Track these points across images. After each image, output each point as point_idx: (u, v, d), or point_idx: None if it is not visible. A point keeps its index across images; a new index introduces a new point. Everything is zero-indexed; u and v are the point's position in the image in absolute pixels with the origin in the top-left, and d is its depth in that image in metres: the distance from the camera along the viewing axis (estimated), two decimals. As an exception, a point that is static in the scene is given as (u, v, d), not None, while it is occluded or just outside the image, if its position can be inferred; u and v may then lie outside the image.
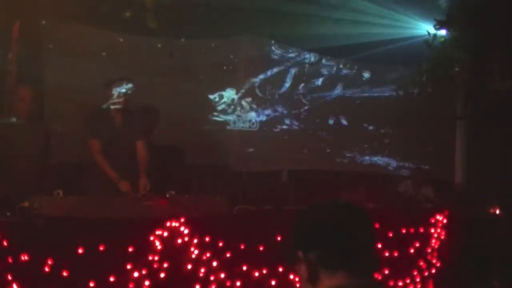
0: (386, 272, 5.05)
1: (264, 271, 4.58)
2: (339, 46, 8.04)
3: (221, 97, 8.27)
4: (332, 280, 1.85)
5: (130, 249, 4.18)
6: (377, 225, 4.77)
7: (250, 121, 8.41)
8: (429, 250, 5.41)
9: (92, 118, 5.69)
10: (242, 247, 4.56)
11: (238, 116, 8.35)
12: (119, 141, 5.65)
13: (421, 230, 5.38)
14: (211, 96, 8.27)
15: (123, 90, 5.60)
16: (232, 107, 8.34)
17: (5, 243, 3.89)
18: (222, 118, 8.33)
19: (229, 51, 8.24)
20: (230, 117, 8.35)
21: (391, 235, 5.14)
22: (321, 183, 7.41)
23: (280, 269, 4.63)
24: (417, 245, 5.33)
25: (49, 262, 3.93)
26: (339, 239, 1.85)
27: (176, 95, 7.68)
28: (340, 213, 1.91)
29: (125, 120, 5.70)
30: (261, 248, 4.61)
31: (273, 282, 4.61)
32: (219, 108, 8.30)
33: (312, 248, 1.87)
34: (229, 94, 8.31)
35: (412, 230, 5.32)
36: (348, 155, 8.77)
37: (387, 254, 5.06)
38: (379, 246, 4.75)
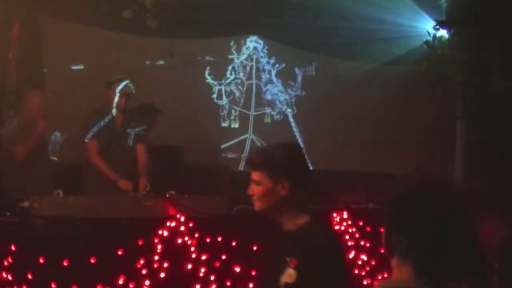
0: (386, 275, 5.04)
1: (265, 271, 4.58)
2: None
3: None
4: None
5: (130, 249, 4.18)
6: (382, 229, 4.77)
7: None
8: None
9: (91, 118, 5.67)
10: (242, 247, 4.56)
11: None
12: (120, 142, 5.65)
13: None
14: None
15: (124, 90, 5.59)
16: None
17: (5, 243, 3.89)
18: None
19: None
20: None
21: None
22: (321, 183, 7.39)
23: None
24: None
25: (49, 262, 3.93)
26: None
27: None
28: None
29: (126, 120, 5.69)
30: (261, 248, 4.61)
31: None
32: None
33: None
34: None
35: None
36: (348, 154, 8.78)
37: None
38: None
